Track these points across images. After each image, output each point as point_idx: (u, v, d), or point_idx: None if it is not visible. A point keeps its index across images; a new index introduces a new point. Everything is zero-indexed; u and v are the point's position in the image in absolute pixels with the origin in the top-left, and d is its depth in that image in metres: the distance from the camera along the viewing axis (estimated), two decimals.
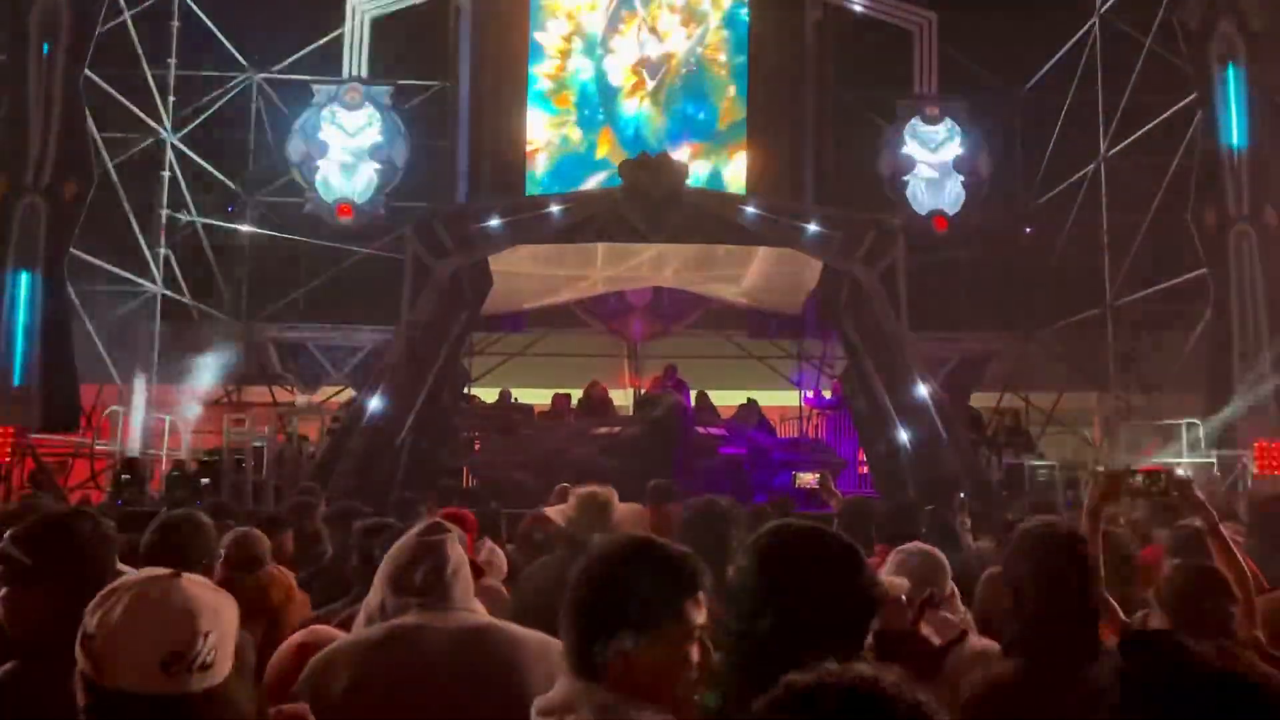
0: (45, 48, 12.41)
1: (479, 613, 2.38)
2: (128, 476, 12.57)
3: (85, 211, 12.52)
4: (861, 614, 1.78)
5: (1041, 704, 2.26)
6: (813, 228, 13.24)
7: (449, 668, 2.20)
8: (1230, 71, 13.12)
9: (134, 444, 13.35)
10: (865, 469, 14.54)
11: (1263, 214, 12.72)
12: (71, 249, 12.51)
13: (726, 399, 15.98)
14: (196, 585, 1.62)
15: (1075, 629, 2.42)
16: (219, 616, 1.60)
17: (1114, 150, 15.65)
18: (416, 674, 2.20)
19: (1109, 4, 15.72)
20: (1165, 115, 14.45)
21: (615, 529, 3.96)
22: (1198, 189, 13.22)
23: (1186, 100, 13.79)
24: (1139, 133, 15.07)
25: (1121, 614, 3.06)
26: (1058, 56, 16.88)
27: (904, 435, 12.49)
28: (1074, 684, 2.26)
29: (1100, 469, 3.63)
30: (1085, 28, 16.22)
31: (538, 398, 15.95)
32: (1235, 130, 13.03)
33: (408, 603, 2.30)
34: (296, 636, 2.70)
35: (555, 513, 4.03)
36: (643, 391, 15.16)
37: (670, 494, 6.03)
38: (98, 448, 13.09)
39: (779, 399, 17.15)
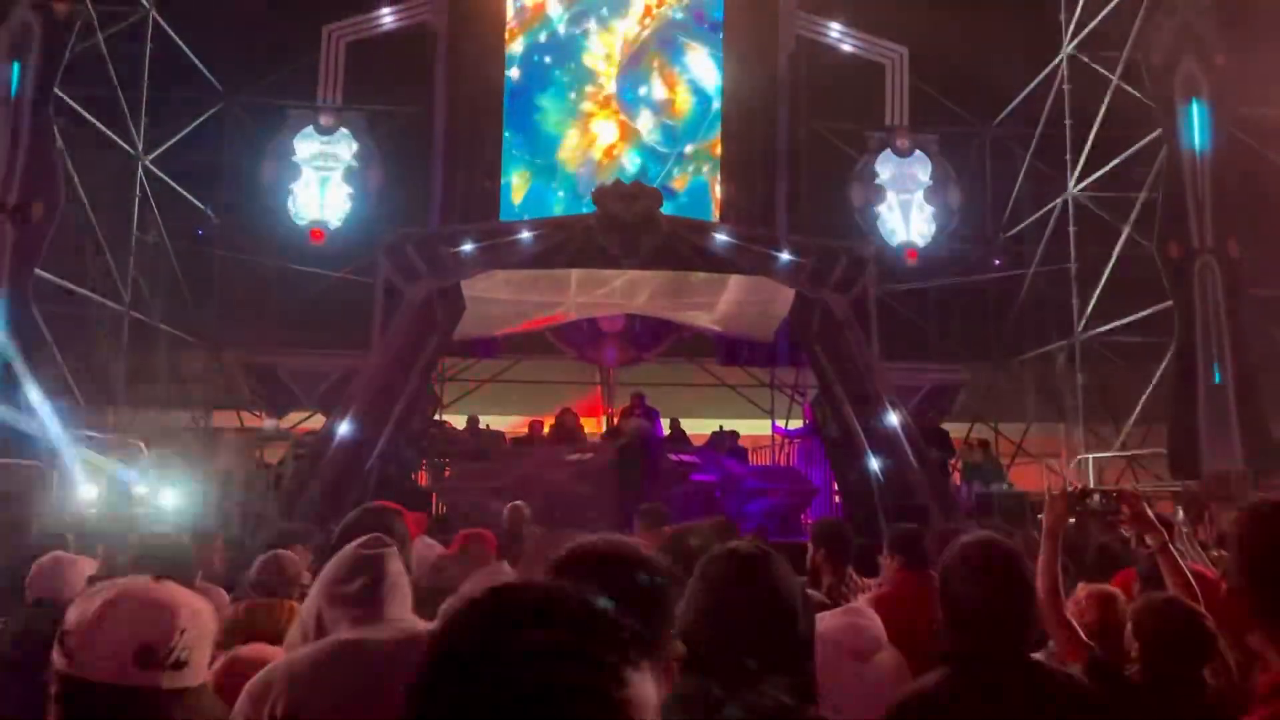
0: (16, 67, 12.32)
1: (414, 621, 2.34)
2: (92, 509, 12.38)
3: (53, 232, 12.38)
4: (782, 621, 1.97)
5: (958, 714, 2.26)
6: (785, 256, 13.31)
7: (388, 680, 2.15)
8: (1194, 107, 13.38)
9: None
10: (837, 497, 14.55)
11: (1226, 246, 12.93)
12: (38, 270, 12.36)
13: (700, 427, 15.99)
14: (175, 588, 1.64)
15: (1004, 641, 2.39)
16: (196, 618, 1.60)
17: (1081, 184, 15.89)
18: (357, 690, 2.15)
19: (1076, 41, 16.02)
20: (1131, 150, 14.70)
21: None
22: (1162, 222, 13.44)
23: (1152, 135, 14.05)
24: (1106, 167, 15.32)
25: (1084, 636, 3.06)
26: (1026, 92, 17.16)
27: (875, 463, 12.52)
28: (997, 695, 2.25)
29: (1056, 491, 3.62)
30: (1053, 64, 16.52)
31: (510, 424, 15.89)
32: (1199, 165, 13.27)
33: (342, 616, 2.27)
34: (228, 654, 2.65)
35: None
36: (614, 420, 15.16)
37: (664, 518, 6.05)
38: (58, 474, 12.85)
39: (752, 427, 17.17)
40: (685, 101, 18.32)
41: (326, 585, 2.32)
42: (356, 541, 2.38)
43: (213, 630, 1.64)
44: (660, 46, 18.31)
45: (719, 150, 18.20)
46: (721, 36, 18.34)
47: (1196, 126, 13.32)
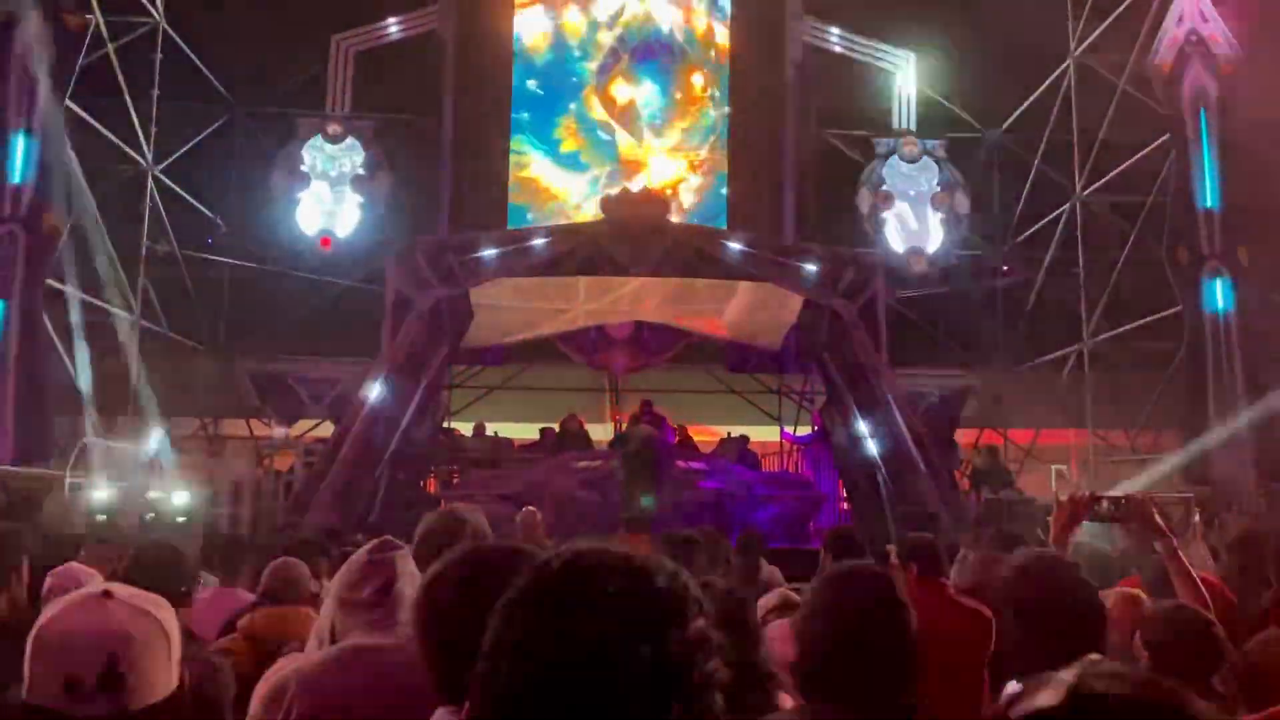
0: (27, 78, 12.39)
1: None
2: (101, 511, 12.44)
3: (64, 242, 12.45)
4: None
5: None
6: (793, 262, 13.34)
7: (398, 684, 2.14)
8: (1203, 112, 13.36)
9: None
10: (846, 504, 14.53)
11: (1235, 252, 12.91)
12: (48, 279, 12.43)
13: (708, 434, 15.99)
14: (119, 607, 1.58)
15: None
16: (129, 642, 1.55)
17: (1089, 190, 15.87)
18: (370, 695, 2.16)
19: (1083, 46, 16.02)
20: (1139, 156, 14.68)
21: None
22: (1171, 228, 13.42)
23: (1160, 140, 14.03)
24: (1113, 172, 15.30)
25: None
26: (1034, 97, 17.15)
27: (883, 470, 12.51)
28: None
29: (1063, 497, 3.60)
30: (1060, 69, 16.51)
31: (518, 431, 15.91)
32: (1207, 171, 13.24)
33: (355, 622, 2.28)
34: (281, 663, 2.66)
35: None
36: (622, 426, 15.16)
37: (645, 524, 6.09)
38: (70, 480, 12.92)
39: (760, 434, 17.16)
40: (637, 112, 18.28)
41: (339, 591, 2.34)
42: (366, 546, 2.39)
43: (161, 645, 1.59)
44: (630, 64, 18.31)
45: (700, 171, 18.23)
46: (725, 57, 18.33)
47: (1204, 132, 13.29)
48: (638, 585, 0.92)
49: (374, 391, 12.41)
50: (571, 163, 18.00)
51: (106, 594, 1.60)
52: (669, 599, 0.92)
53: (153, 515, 12.39)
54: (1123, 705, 0.98)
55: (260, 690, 2.31)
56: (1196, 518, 9.21)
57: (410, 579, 2.32)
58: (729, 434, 15.83)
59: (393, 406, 12.58)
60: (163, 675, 1.60)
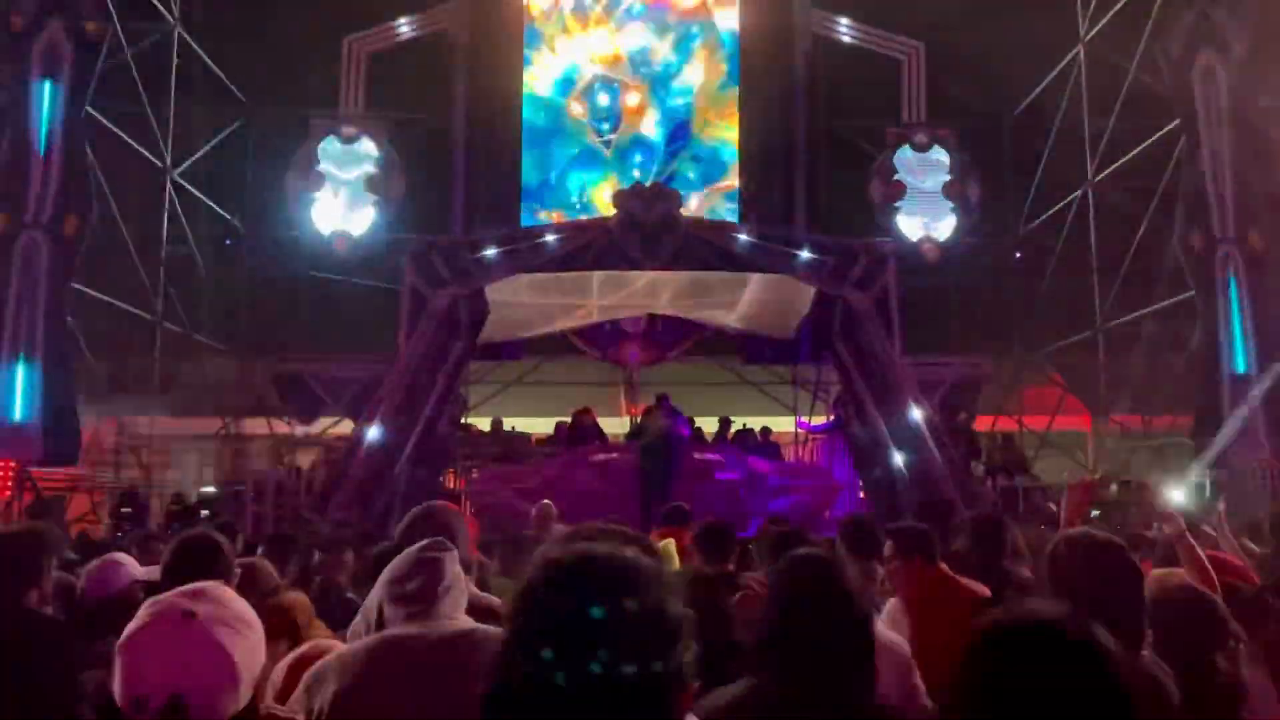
0: (47, 85, 12.58)
1: (465, 620, 2.45)
2: (127, 509, 12.66)
3: (86, 246, 12.63)
4: None
5: None
6: (805, 254, 13.40)
7: (434, 673, 2.27)
8: (1210, 97, 13.34)
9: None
10: (862, 493, 14.59)
11: (1248, 236, 12.90)
12: (72, 283, 12.61)
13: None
14: (197, 636, 1.62)
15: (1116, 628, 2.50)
16: (199, 678, 1.60)
17: (1101, 175, 15.86)
18: (403, 681, 2.29)
19: (1093, 32, 15.99)
20: (1150, 141, 14.66)
21: None
22: (1183, 213, 13.42)
23: (1171, 125, 14.01)
24: (1125, 158, 15.28)
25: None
26: (1044, 84, 17.13)
27: (899, 458, 12.57)
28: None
29: (1072, 483, 3.71)
30: (1071, 55, 16.49)
31: (535, 426, 16.03)
32: (1219, 155, 13.20)
33: (399, 612, 2.40)
34: (295, 651, 2.79)
35: None
36: (637, 420, 15.27)
37: (687, 516, 6.20)
38: (97, 480, 13.16)
39: (775, 425, 17.22)
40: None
41: (387, 585, 2.45)
42: (419, 544, 2.51)
43: (230, 676, 1.65)
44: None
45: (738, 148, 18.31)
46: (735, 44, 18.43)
47: (1211, 117, 13.27)
48: (592, 572, 1.26)
49: (392, 389, 12.56)
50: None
51: (190, 615, 1.63)
52: (617, 578, 1.25)
53: (177, 507, 12.66)
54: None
55: (300, 675, 2.43)
56: (1221, 504, 9.24)
57: (456, 579, 2.46)
58: (744, 425, 15.90)
59: (411, 404, 12.73)
60: (229, 702, 1.64)
